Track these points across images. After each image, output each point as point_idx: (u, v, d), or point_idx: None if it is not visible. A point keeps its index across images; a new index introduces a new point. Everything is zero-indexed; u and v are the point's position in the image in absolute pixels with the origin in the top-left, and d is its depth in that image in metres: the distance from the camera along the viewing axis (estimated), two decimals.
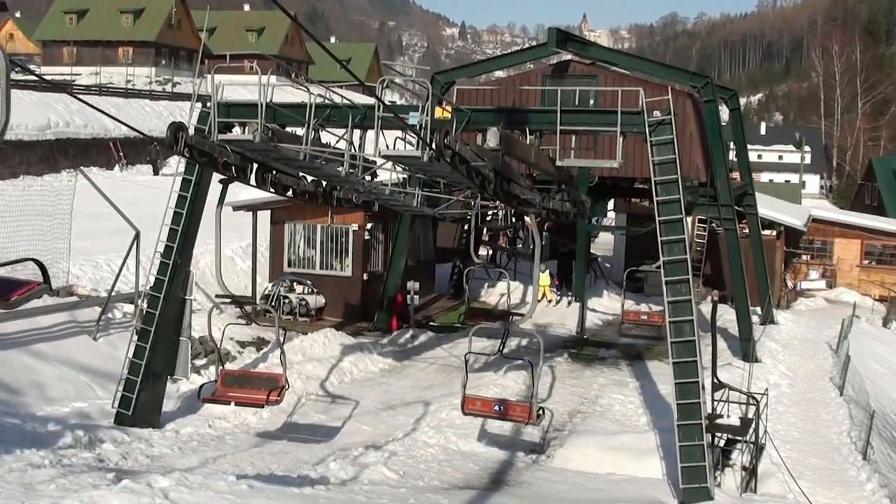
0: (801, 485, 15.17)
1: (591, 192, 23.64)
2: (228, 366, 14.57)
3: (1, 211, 19.94)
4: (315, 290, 26.51)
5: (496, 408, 15.54)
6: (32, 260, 8.36)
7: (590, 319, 28.58)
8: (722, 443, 16.23)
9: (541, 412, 15.48)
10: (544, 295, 30.70)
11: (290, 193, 16.93)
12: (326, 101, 15.51)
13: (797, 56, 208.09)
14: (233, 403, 15.62)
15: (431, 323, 27.54)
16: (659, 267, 15.47)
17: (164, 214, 17.00)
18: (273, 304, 26.33)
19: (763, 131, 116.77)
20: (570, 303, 30.15)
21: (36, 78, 49.27)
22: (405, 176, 19.70)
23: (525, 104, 24.05)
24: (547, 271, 31.27)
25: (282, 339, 15.20)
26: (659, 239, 15.36)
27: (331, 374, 20.99)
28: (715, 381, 16.04)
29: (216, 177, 15.86)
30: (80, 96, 43.38)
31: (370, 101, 13.83)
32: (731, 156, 32.34)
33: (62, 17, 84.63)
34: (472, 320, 22.73)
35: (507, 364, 20.62)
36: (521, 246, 39.48)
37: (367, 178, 16.74)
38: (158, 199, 18.34)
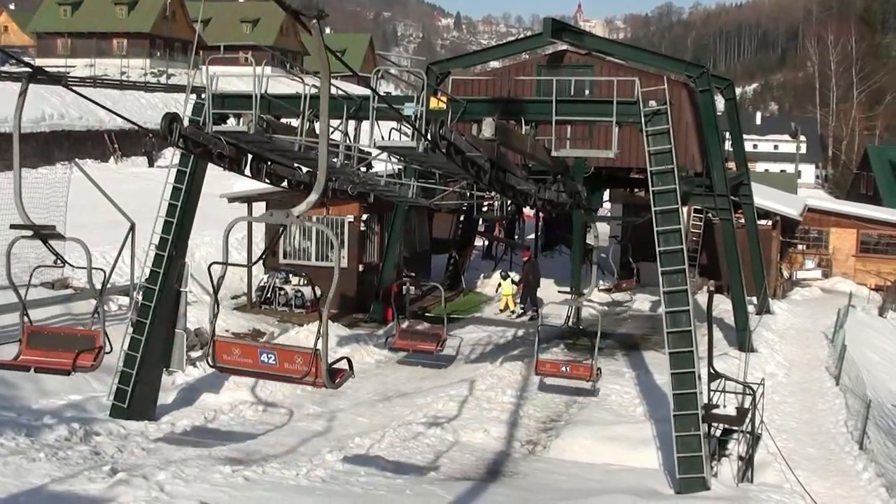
0: (797, 474, 15.19)
1: (586, 183, 23.57)
2: (37, 322, 11.36)
3: None
4: (311, 282, 26.43)
5: (563, 369, 18.36)
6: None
7: (585, 310, 28.51)
8: (718, 433, 16.23)
9: (598, 372, 18.22)
10: (507, 306, 29.16)
11: (285, 184, 16.88)
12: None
13: (793, 45, 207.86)
14: (32, 370, 12.07)
15: (427, 314, 27.50)
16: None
17: (159, 206, 16.95)
18: (269, 295, 26.33)
19: (758, 121, 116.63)
20: (532, 318, 26.92)
21: (30, 70, 49.07)
22: (400, 167, 19.65)
23: (520, 94, 24.00)
24: (509, 279, 29.47)
25: (101, 290, 12.13)
26: (655, 229, 15.36)
27: None
28: (711, 370, 16.03)
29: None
30: (75, 88, 43.33)
31: (365, 91, 13.79)
32: (727, 146, 32.32)
33: (56, 8, 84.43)
34: (400, 343, 20.57)
35: (505, 352, 20.69)
36: (517, 237, 39.47)
37: (363, 169, 16.69)
38: (154, 191, 18.27)
